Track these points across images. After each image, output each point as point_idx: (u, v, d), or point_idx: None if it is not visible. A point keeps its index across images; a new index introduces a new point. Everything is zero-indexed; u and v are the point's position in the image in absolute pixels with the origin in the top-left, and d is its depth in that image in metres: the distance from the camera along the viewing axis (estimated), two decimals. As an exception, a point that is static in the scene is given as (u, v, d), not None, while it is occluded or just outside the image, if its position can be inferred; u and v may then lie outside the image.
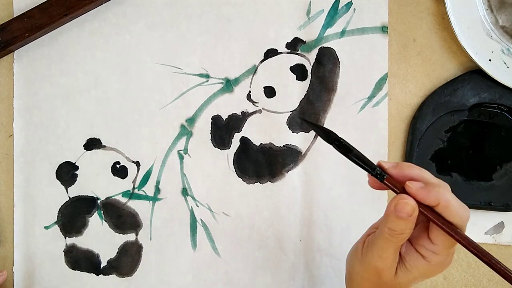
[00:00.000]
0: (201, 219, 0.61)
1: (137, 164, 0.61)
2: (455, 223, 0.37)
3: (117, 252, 0.61)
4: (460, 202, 0.38)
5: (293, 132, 0.61)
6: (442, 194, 0.37)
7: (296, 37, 0.61)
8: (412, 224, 0.38)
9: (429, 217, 0.37)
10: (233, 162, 0.61)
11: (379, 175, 0.40)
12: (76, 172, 0.61)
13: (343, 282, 0.49)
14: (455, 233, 0.37)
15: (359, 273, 0.41)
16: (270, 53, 0.61)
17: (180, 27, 0.61)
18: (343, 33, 0.61)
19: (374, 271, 0.39)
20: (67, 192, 0.61)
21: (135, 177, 0.61)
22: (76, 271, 0.61)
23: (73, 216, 0.61)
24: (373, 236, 0.40)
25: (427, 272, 0.39)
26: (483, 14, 0.59)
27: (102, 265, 0.61)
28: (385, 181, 0.39)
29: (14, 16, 0.59)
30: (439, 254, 0.38)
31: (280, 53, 0.61)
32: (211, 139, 0.61)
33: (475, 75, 0.60)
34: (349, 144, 0.40)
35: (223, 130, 0.61)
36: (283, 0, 0.61)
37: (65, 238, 0.61)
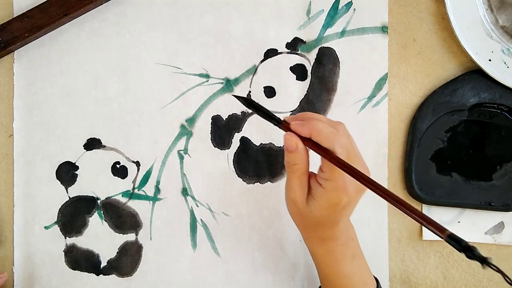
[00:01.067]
0: (201, 219, 0.61)
1: (137, 164, 0.61)
2: (331, 149, 0.43)
3: (117, 252, 0.61)
4: (331, 130, 0.44)
5: (293, 132, 0.61)
6: (313, 125, 0.44)
7: (296, 37, 0.61)
8: (302, 155, 0.45)
9: (308, 145, 0.44)
10: (233, 162, 0.61)
11: (278, 123, 0.47)
12: (76, 172, 0.61)
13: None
14: (329, 155, 0.43)
15: (287, 208, 0.49)
16: (270, 53, 0.61)
17: (180, 27, 0.61)
18: (343, 33, 0.61)
19: (291, 201, 0.47)
20: (67, 192, 0.61)
21: (135, 177, 0.61)
22: (76, 271, 0.61)
23: (73, 216, 0.61)
24: (286, 181, 0.48)
25: (327, 199, 0.44)
26: (483, 14, 0.59)
27: (102, 265, 0.61)
28: (282, 127, 0.46)
29: (14, 16, 0.59)
30: (329, 180, 0.44)
31: (280, 53, 0.61)
32: (211, 139, 0.61)
33: (475, 75, 0.60)
34: (259, 105, 0.47)
35: (223, 130, 0.61)
36: (283, 0, 0.61)
37: (65, 238, 0.61)
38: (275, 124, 0.47)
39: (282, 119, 0.47)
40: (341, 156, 0.43)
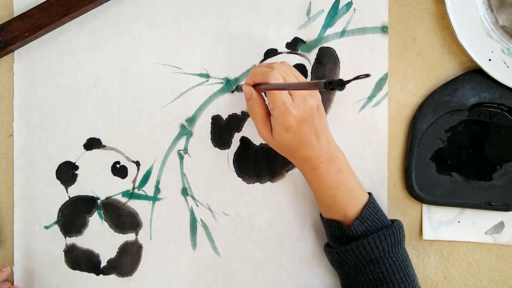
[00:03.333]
0: (201, 219, 0.61)
1: (137, 164, 0.61)
2: (263, 80, 0.52)
3: (117, 252, 0.61)
4: (265, 69, 0.52)
5: (293, 132, 0.61)
6: (252, 72, 0.53)
7: (296, 37, 0.61)
8: (257, 100, 0.54)
9: (258, 90, 0.53)
10: (233, 162, 0.61)
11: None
12: (76, 172, 0.61)
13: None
14: (266, 88, 0.51)
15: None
16: (270, 53, 0.61)
17: (180, 27, 0.61)
18: (343, 33, 0.61)
19: (263, 139, 0.55)
20: (67, 192, 0.61)
21: (135, 177, 0.61)
22: (76, 271, 0.61)
23: (73, 216, 0.61)
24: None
25: (279, 124, 0.52)
26: (483, 14, 0.59)
27: (102, 265, 0.61)
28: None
29: (14, 16, 0.60)
30: (273, 108, 0.52)
31: (280, 53, 0.61)
32: (211, 139, 0.61)
33: (475, 75, 0.60)
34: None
35: (223, 130, 0.61)
36: (283, 0, 0.61)
37: (65, 238, 0.61)
38: (235, 88, 0.60)
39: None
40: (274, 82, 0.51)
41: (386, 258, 0.54)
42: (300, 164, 0.55)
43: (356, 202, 0.55)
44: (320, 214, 0.59)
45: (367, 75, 0.37)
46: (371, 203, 0.56)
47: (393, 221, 0.57)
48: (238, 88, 0.60)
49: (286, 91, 0.51)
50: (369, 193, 0.57)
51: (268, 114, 0.54)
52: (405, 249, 0.57)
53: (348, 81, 0.36)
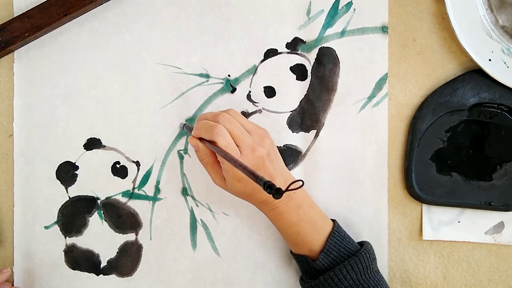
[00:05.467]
0: (201, 219, 0.61)
1: (137, 164, 0.61)
2: (213, 140, 0.51)
3: (117, 252, 0.61)
4: (211, 125, 0.52)
5: (293, 132, 0.61)
6: (197, 126, 0.53)
7: (296, 37, 0.61)
8: (204, 151, 0.54)
9: (204, 141, 0.53)
10: (233, 162, 0.61)
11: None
12: (76, 172, 0.61)
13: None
14: (213, 146, 0.51)
15: None
16: (270, 53, 0.61)
17: (180, 27, 0.61)
18: (343, 33, 0.61)
19: (217, 184, 0.55)
20: (67, 192, 0.61)
21: (135, 177, 0.61)
22: (76, 271, 0.61)
23: (73, 216, 0.61)
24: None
25: (230, 175, 0.52)
26: (483, 14, 0.59)
27: (102, 265, 0.61)
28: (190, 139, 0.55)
29: (14, 16, 0.59)
30: (223, 162, 0.52)
31: (280, 53, 0.61)
32: (211, 139, 0.61)
33: (475, 75, 0.60)
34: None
35: (223, 130, 0.61)
36: (283, 0, 0.61)
37: (65, 238, 0.61)
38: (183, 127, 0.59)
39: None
40: (221, 143, 0.50)
41: (357, 286, 0.53)
42: (259, 206, 0.55)
43: (320, 234, 0.55)
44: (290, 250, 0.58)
45: (300, 187, 0.38)
46: (335, 233, 0.55)
47: (361, 243, 0.57)
48: (184, 127, 0.59)
49: (233, 144, 0.51)
50: (333, 220, 0.57)
51: (219, 161, 0.54)
52: (378, 271, 0.56)
53: (286, 190, 0.37)
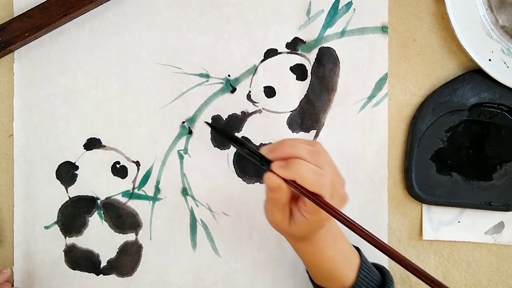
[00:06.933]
0: (201, 219, 0.61)
1: (137, 164, 0.61)
2: (317, 192, 0.44)
3: (117, 252, 0.61)
4: (316, 173, 0.44)
5: (293, 132, 0.61)
6: (297, 171, 0.43)
7: (296, 37, 0.61)
8: (283, 193, 0.44)
9: (293, 186, 0.44)
10: (233, 162, 0.61)
11: (265, 165, 0.46)
12: (76, 172, 0.61)
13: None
14: (315, 199, 0.44)
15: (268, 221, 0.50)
16: (270, 53, 0.61)
17: (180, 27, 0.61)
18: (343, 33, 0.61)
19: (271, 222, 0.49)
20: (67, 192, 0.61)
21: (135, 177, 0.61)
22: (76, 271, 0.61)
23: (73, 216, 0.61)
24: (265, 201, 0.49)
25: (310, 226, 0.47)
26: (483, 14, 0.59)
27: (102, 265, 0.61)
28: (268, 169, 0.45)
29: (14, 16, 0.59)
30: (311, 213, 0.45)
31: (280, 53, 0.61)
32: (211, 139, 0.61)
33: (475, 75, 0.60)
34: (242, 140, 0.48)
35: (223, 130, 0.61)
36: (283, 0, 0.61)
37: (65, 238, 0.61)
38: (261, 164, 0.46)
39: (264, 155, 0.46)
40: (327, 197, 0.44)
41: None
42: (298, 243, 0.51)
43: (351, 268, 0.52)
44: (310, 278, 0.55)
45: None
46: (363, 265, 0.53)
47: (379, 268, 0.56)
48: (247, 148, 0.46)
49: (332, 193, 0.44)
50: (357, 248, 0.55)
51: (290, 201, 0.47)
52: None
53: None
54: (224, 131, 0.49)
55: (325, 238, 0.50)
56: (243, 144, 0.46)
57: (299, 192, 0.44)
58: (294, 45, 0.61)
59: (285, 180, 0.44)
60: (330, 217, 0.45)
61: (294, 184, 0.44)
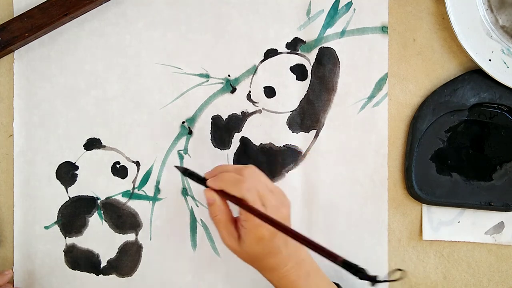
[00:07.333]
0: (201, 219, 0.61)
1: (137, 164, 0.61)
2: (240, 196, 0.49)
3: (117, 252, 0.61)
4: (236, 179, 0.49)
5: (293, 132, 0.61)
6: (221, 178, 0.50)
7: (296, 37, 0.61)
8: (220, 207, 0.51)
9: (221, 194, 0.51)
10: (233, 162, 0.61)
11: (203, 182, 0.53)
12: (76, 172, 0.61)
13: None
14: (239, 203, 0.49)
15: None
16: (270, 53, 0.61)
17: (180, 27, 0.61)
18: (343, 33, 0.61)
19: (226, 246, 0.52)
20: (67, 192, 0.61)
21: (135, 177, 0.61)
22: (76, 271, 0.61)
23: (73, 216, 0.61)
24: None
25: (251, 236, 0.49)
26: (483, 14, 0.59)
27: (102, 265, 0.61)
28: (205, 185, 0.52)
29: (14, 16, 0.60)
30: (247, 221, 0.49)
31: (280, 53, 0.61)
32: (211, 139, 0.61)
33: (475, 75, 0.60)
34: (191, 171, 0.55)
35: (223, 130, 0.61)
36: (283, 0, 0.61)
37: (65, 238, 0.61)
38: (205, 185, 0.53)
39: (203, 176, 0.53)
40: (251, 200, 0.48)
41: None
42: (268, 274, 0.52)
43: None
44: None
45: (401, 279, 0.39)
46: None
47: None
48: (189, 173, 0.55)
49: (260, 203, 0.49)
50: (337, 285, 0.56)
51: (233, 219, 0.52)
52: None
53: (385, 281, 0.38)
54: (180, 168, 0.57)
55: (296, 271, 0.51)
56: (192, 174, 0.55)
57: (227, 199, 0.50)
58: (294, 45, 0.61)
59: (217, 192, 0.51)
60: (274, 231, 0.48)
61: (223, 192, 0.50)
